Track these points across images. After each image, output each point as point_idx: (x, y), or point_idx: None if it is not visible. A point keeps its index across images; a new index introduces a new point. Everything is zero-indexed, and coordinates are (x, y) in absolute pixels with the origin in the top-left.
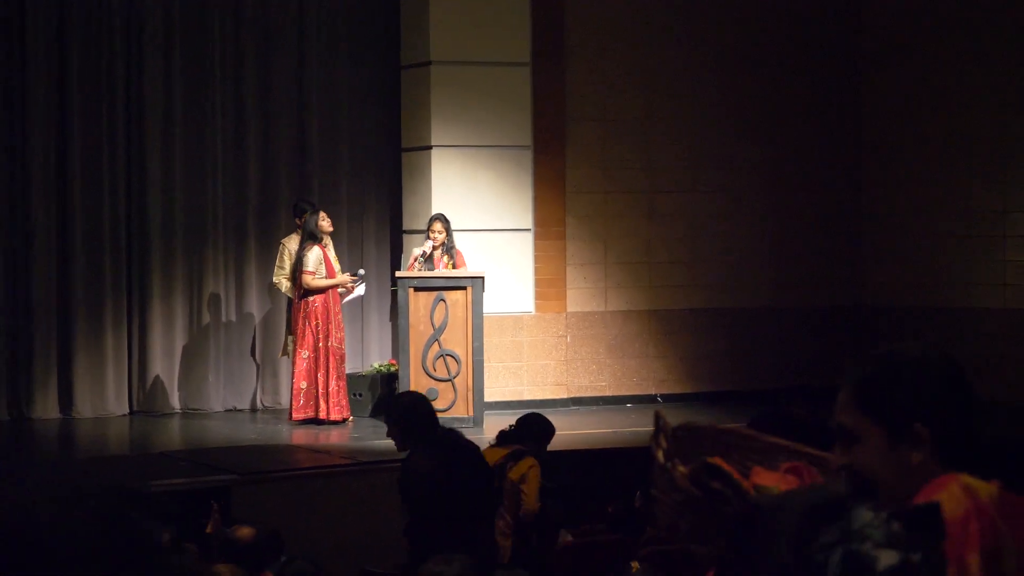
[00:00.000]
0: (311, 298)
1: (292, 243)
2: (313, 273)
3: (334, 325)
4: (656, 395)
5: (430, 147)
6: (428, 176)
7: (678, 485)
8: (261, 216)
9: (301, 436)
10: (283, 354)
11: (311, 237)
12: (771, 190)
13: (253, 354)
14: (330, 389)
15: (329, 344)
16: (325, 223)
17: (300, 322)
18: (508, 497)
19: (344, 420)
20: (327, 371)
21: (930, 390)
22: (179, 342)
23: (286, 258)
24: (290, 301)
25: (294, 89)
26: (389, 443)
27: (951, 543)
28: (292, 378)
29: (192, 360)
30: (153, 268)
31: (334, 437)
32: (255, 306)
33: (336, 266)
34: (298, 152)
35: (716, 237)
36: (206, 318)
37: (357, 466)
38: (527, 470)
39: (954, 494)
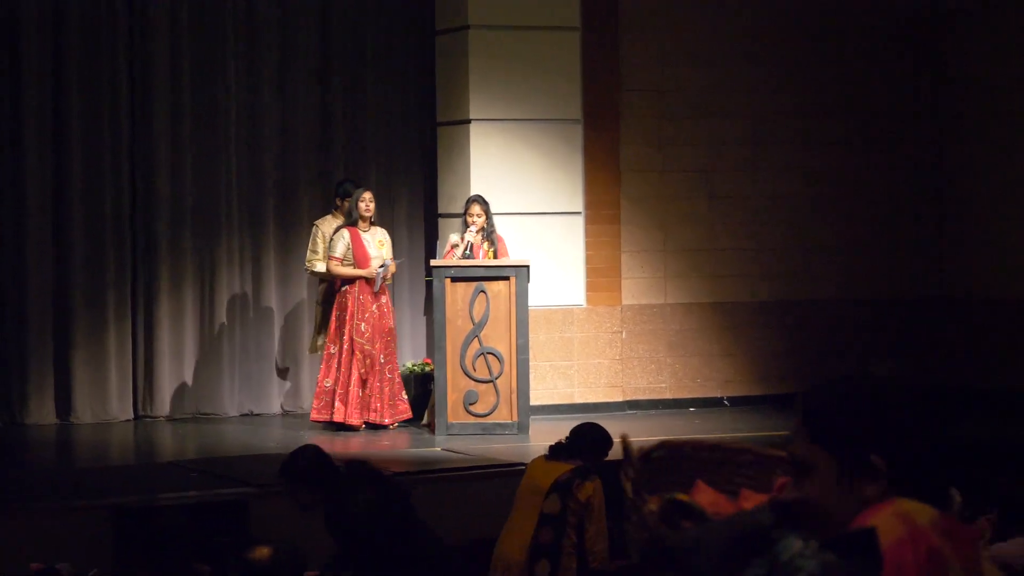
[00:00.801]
0: (343, 288)
1: (327, 225)
2: (339, 260)
3: (360, 318)
4: (722, 398)
5: (468, 121)
6: (466, 153)
7: (647, 524)
8: (281, 199)
9: (327, 443)
10: (312, 351)
11: (351, 221)
12: (844, 169)
13: (272, 353)
14: (351, 390)
15: (355, 340)
16: (362, 205)
17: (332, 313)
18: (574, 516)
19: (359, 428)
20: (349, 369)
21: (886, 421)
22: (189, 340)
23: (319, 241)
24: (326, 291)
25: (316, 58)
26: (423, 451)
27: (886, 571)
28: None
29: (204, 359)
30: (160, 257)
31: (372, 444)
32: (274, 299)
33: (372, 253)
34: (321, 128)
35: (784, 221)
36: (220, 313)
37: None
38: (593, 496)
39: (887, 520)
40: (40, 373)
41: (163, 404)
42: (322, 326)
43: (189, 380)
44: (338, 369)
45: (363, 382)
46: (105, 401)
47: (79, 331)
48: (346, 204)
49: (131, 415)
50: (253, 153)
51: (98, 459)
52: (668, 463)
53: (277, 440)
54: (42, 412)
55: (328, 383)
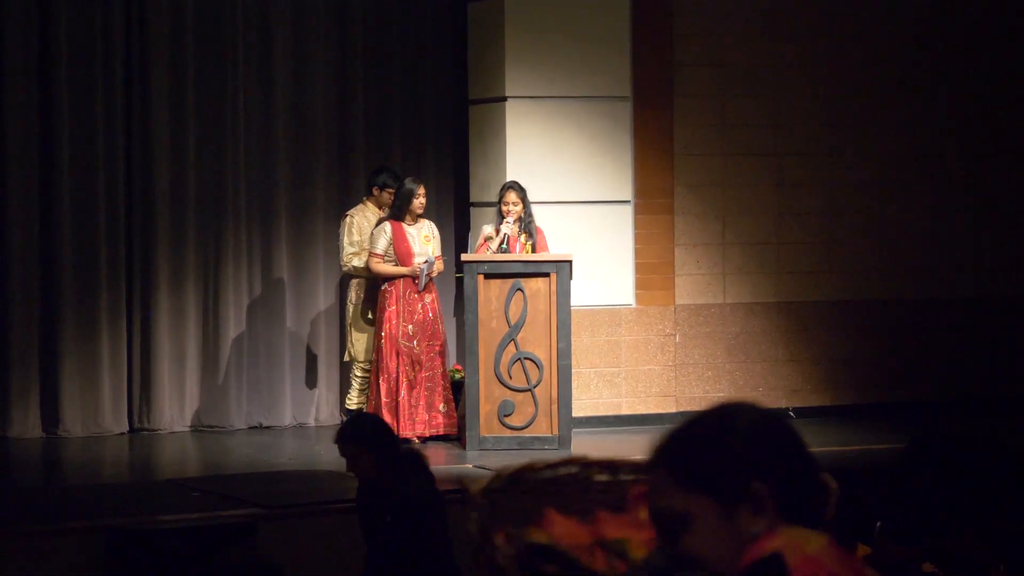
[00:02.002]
0: (384, 286)
1: (361, 216)
2: (381, 256)
3: (407, 319)
4: (788, 408)
5: (504, 99)
6: (502, 135)
7: (502, 570)
8: (293, 187)
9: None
10: (347, 359)
11: (395, 214)
12: (929, 154)
13: (284, 359)
14: (400, 399)
15: (400, 343)
16: (417, 201)
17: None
18: None
19: (407, 439)
20: (397, 376)
21: (758, 443)
22: (191, 344)
23: (355, 233)
24: (369, 290)
25: (334, 29)
26: (451, 468)
27: None
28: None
29: (207, 366)
30: (159, 252)
31: None
32: (286, 299)
33: (416, 249)
34: (339, 107)
35: (861, 212)
36: (225, 314)
37: None
38: None
39: (779, 550)
40: (24, 381)
41: (161, 415)
42: (360, 327)
43: (191, 389)
44: (380, 377)
45: (411, 388)
46: (97, 412)
47: (68, 334)
48: (383, 195)
49: (126, 428)
50: (263, 136)
51: (89, 476)
52: (514, 495)
53: (289, 456)
54: (26, 424)
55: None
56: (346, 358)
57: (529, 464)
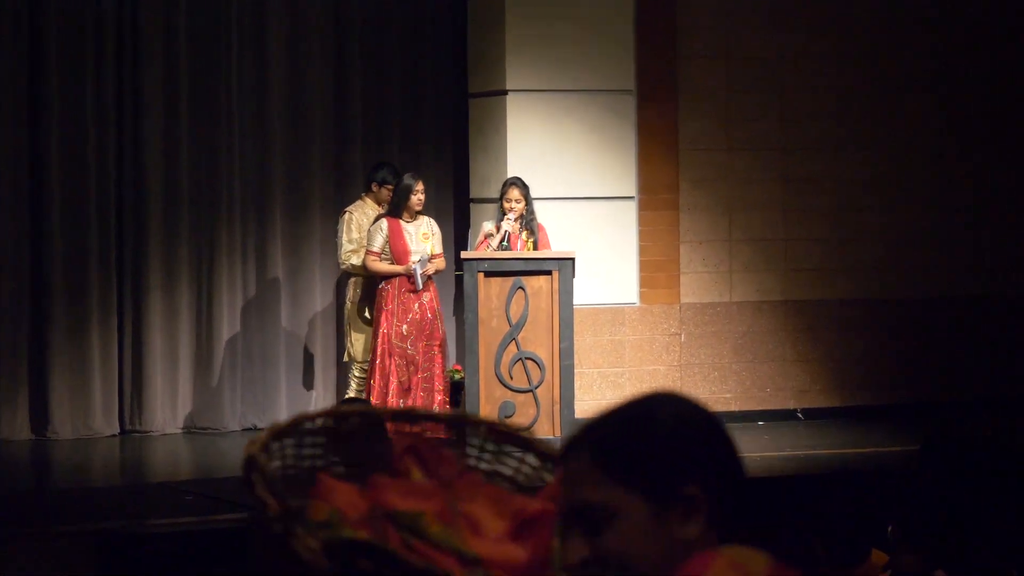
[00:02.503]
0: (381, 284)
1: (360, 213)
2: (377, 254)
3: (402, 319)
4: (796, 410)
5: (504, 92)
6: (502, 130)
7: (302, 559)
8: (289, 184)
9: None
10: (346, 359)
11: (392, 211)
12: (943, 148)
13: (279, 359)
14: (389, 402)
15: (394, 343)
16: (415, 198)
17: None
18: None
19: None
20: (387, 378)
21: (696, 444)
22: (184, 344)
23: (354, 230)
24: (366, 289)
25: (330, 20)
26: None
27: None
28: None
29: (201, 366)
30: (151, 250)
31: None
32: (281, 299)
33: (413, 247)
34: (336, 101)
35: (871, 208)
36: (219, 314)
37: None
38: None
39: (722, 572)
40: (12, 381)
41: (153, 417)
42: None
43: (183, 390)
44: (373, 378)
45: (404, 391)
46: (87, 414)
47: (58, 334)
48: (383, 191)
49: (117, 430)
50: (257, 131)
51: (79, 479)
52: (290, 451)
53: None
54: (15, 426)
55: (363, 396)
56: (345, 358)
57: (304, 415)
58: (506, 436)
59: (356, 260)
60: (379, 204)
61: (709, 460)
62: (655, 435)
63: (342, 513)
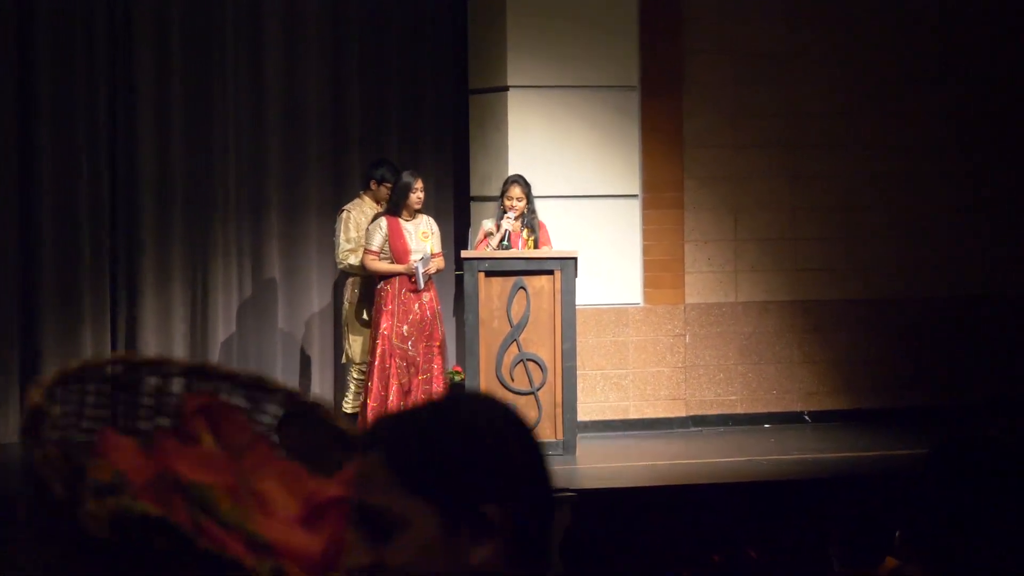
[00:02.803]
0: (379, 284)
1: (358, 211)
2: (376, 253)
3: (402, 320)
4: (803, 412)
5: (506, 88)
6: (503, 126)
7: (85, 528)
8: (285, 181)
9: None
10: (345, 360)
11: (391, 209)
12: (959, 145)
13: (275, 362)
14: (389, 404)
15: (394, 344)
16: (414, 196)
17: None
18: None
19: None
20: (386, 380)
21: (500, 458)
22: (178, 346)
23: (352, 229)
24: (364, 289)
25: (328, 13)
26: None
27: None
28: None
29: None
30: (144, 249)
31: None
32: (278, 299)
33: (413, 245)
34: (333, 96)
35: (881, 207)
36: (213, 315)
37: None
38: None
39: None
40: (3, 384)
41: None
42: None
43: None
44: (373, 380)
45: (405, 393)
46: None
47: (49, 335)
48: (381, 189)
49: None
50: (253, 127)
51: None
52: (72, 396)
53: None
54: (6, 429)
55: (362, 398)
56: (343, 360)
57: (93, 360)
58: (302, 406)
59: (354, 260)
60: (378, 202)
61: (513, 477)
62: (454, 444)
63: (125, 476)
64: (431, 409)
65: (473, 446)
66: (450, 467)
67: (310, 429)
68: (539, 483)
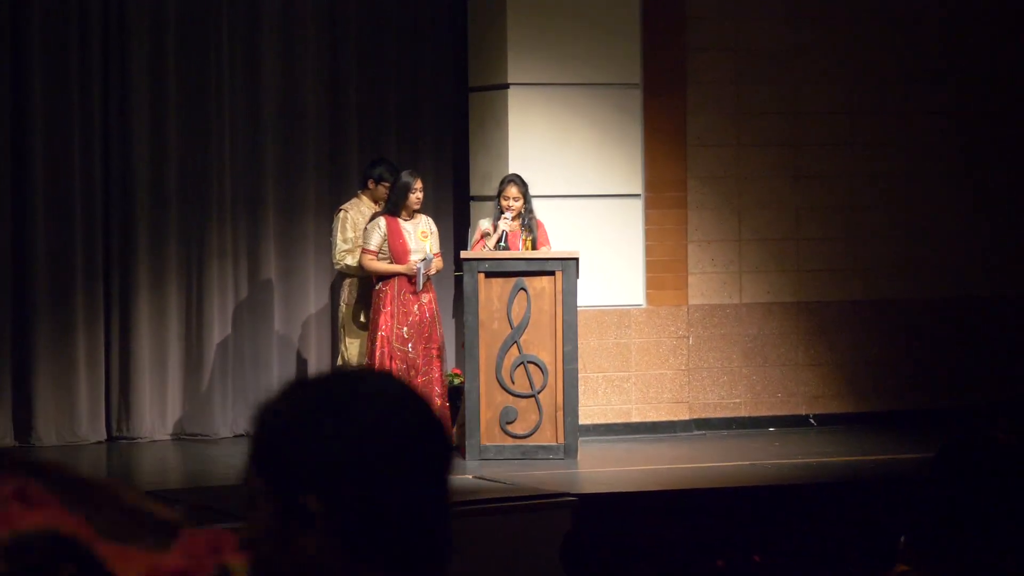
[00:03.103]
0: (378, 285)
1: (355, 211)
2: (375, 253)
3: (402, 321)
4: (808, 416)
5: (506, 86)
6: (504, 125)
7: None
8: (282, 181)
9: None
10: (340, 362)
11: (390, 208)
12: (961, 144)
13: (272, 363)
14: None
15: (394, 346)
16: (413, 196)
17: (370, 317)
18: None
19: None
20: None
21: (329, 448)
22: (173, 347)
23: (348, 228)
24: (362, 291)
25: (325, 10)
26: (459, 480)
27: None
28: None
29: (190, 371)
30: (139, 250)
31: None
32: (274, 301)
33: (412, 245)
34: (331, 94)
35: (886, 207)
36: (209, 316)
37: None
38: None
39: None
40: None
41: (141, 423)
42: (353, 331)
43: (172, 395)
44: None
45: None
46: (73, 420)
47: (42, 337)
48: (379, 189)
49: (103, 436)
50: (249, 125)
51: None
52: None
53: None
54: None
55: None
56: (339, 362)
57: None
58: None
59: (351, 260)
60: (376, 202)
61: (341, 470)
62: (285, 427)
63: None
64: (296, 388)
65: (298, 432)
66: (275, 452)
67: (124, 517)
68: (375, 478)
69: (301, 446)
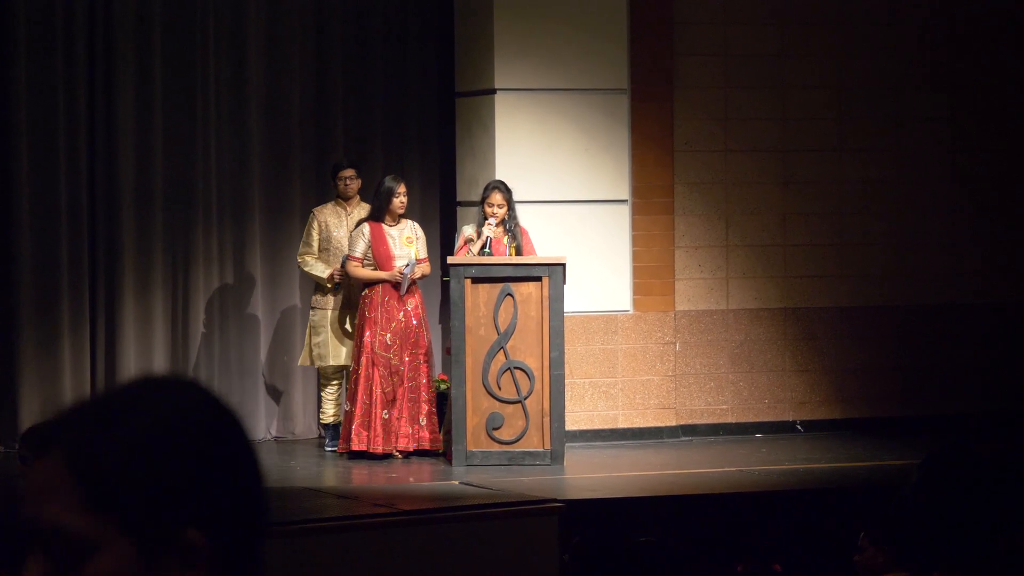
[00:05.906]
0: (364, 292)
1: (326, 215)
2: (359, 260)
3: (385, 328)
4: (795, 422)
5: (493, 91)
6: (490, 130)
7: None
8: (268, 184)
9: (330, 476)
10: (302, 363)
11: (374, 214)
12: (950, 149)
13: (258, 368)
14: (373, 412)
15: (377, 353)
16: (397, 200)
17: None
18: None
19: (390, 455)
20: (370, 388)
21: (208, 473)
22: (159, 352)
23: (314, 232)
24: (347, 296)
25: (311, 14)
26: (437, 485)
27: None
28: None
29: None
30: (124, 253)
31: (375, 477)
32: (260, 304)
33: (397, 251)
34: (317, 98)
35: (874, 212)
36: (195, 320)
37: (397, 517)
38: None
39: None
40: None
41: None
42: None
43: None
44: (357, 389)
45: (389, 402)
46: None
47: (27, 342)
48: (339, 184)
49: None
50: (235, 129)
51: None
52: None
53: (265, 471)
54: None
55: (347, 406)
56: (309, 362)
57: None
58: None
59: (309, 264)
60: (341, 198)
61: (222, 497)
62: (151, 448)
63: None
64: (123, 400)
65: (174, 452)
66: (146, 479)
67: None
68: (252, 502)
69: (174, 474)
